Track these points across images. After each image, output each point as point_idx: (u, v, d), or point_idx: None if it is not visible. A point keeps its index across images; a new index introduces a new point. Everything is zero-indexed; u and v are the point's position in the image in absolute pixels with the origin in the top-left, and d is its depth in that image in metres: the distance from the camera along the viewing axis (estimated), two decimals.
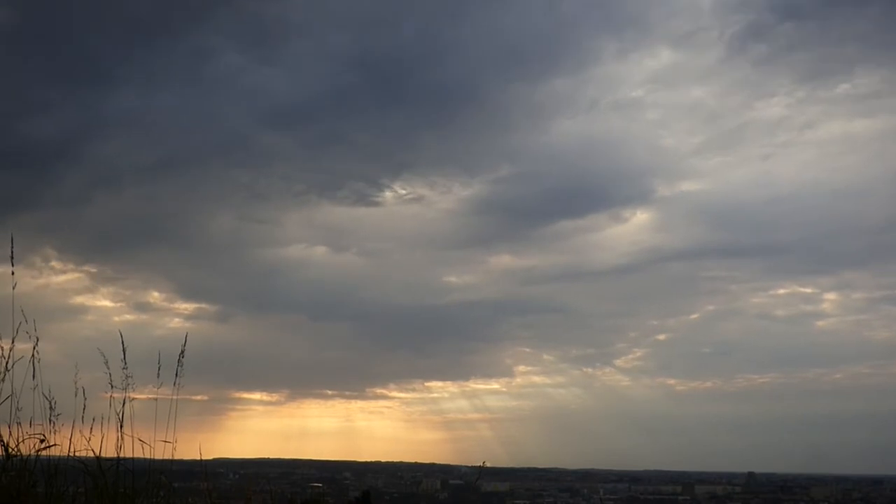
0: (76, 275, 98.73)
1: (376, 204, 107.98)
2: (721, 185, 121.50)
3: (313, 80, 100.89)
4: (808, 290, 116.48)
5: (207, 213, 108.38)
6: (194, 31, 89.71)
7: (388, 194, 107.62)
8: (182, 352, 5.76)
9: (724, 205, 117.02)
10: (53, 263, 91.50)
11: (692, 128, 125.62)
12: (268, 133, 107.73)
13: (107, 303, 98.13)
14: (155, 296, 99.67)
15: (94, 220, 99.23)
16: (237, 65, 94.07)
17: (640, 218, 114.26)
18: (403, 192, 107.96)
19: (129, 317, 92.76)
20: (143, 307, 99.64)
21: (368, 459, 75.01)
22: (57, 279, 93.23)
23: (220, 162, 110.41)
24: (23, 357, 5.43)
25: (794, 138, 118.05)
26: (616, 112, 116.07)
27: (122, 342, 5.58)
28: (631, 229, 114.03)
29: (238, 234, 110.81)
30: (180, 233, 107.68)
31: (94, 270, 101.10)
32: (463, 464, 58.28)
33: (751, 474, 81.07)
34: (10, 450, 5.28)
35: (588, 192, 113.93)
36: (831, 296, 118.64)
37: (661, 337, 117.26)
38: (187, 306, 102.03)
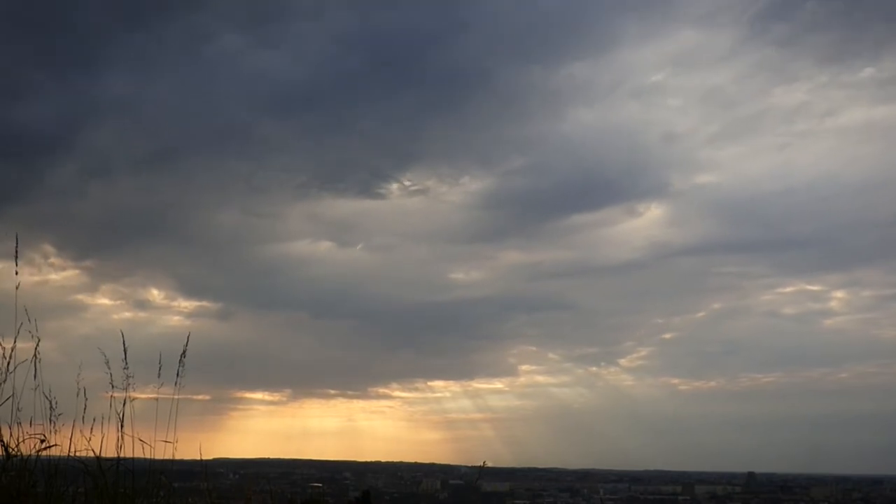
0: (74, 271, 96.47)
1: (381, 196, 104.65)
2: (737, 178, 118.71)
3: (315, 63, 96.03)
4: (819, 288, 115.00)
5: (205, 206, 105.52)
6: (190, 12, 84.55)
7: (393, 186, 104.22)
8: (183, 352, 5.74)
9: (739, 198, 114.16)
10: (53, 260, 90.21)
11: (711, 116, 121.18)
12: (267, 120, 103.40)
13: (105, 300, 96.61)
14: (154, 293, 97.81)
15: (90, 214, 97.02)
16: (234, 47, 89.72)
17: (654, 212, 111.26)
18: (409, 183, 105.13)
19: (127, 314, 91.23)
20: (142, 304, 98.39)
21: (368, 459, 74.92)
22: (54, 276, 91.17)
23: (216, 152, 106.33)
24: (24, 360, 5.43)
25: (813, 127, 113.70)
26: (634, 98, 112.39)
27: (124, 342, 5.57)
28: (644, 224, 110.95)
29: (237, 228, 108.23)
30: (179, 228, 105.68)
31: (91, 266, 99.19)
32: (463, 464, 58.17)
33: (751, 474, 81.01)
34: (10, 450, 5.27)
35: (602, 184, 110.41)
36: (840, 293, 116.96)
37: (667, 336, 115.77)
38: (187, 304, 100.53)
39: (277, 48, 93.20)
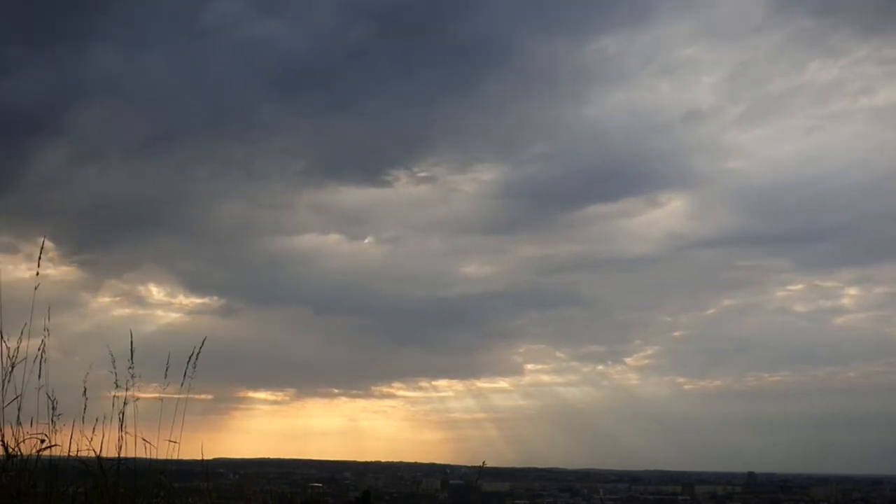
0: (70, 266, 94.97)
1: (387, 184, 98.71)
2: (763, 164, 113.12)
3: (317, 35, 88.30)
4: (833, 284, 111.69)
5: (203, 195, 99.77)
6: None
7: (400, 173, 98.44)
8: (197, 355, 5.69)
9: (763, 187, 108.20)
10: (51, 254, 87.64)
11: (740, 95, 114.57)
12: (265, 100, 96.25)
13: (105, 297, 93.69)
14: (153, 289, 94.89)
15: (82, 204, 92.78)
16: (232, 16, 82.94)
17: (675, 203, 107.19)
18: (417, 169, 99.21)
19: (127, 310, 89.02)
20: (141, 300, 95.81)
21: (369, 459, 74.67)
22: (52, 270, 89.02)
23: (211, 135, 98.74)
24: (25, 359, 5.41)
25: (846, 107, 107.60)
26: (664, 76, 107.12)
27: (132, 342, 5.55)
28: (664, 215, 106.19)
29: (235, 217, 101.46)
30: (177, 219, 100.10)
31: (89, 260, 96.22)
32: (464, 464, 58.17)
33: (751, 474, 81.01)
34: (10, 450, 5.27)
35: (624, 172, 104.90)
36: (854, 290, 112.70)
37: (676, 334, 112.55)
38: (187, 301, 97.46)
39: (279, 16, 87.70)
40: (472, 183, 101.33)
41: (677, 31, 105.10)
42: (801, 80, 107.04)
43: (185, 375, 5.67)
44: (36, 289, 5.59)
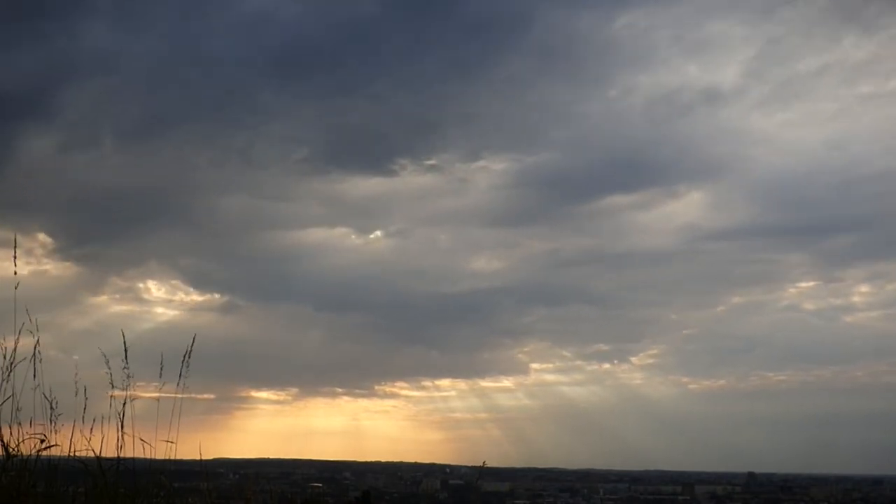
0: (68, 262, 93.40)
1: (393, 173, 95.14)
2: (787, 152, 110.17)
3: (318, 12, 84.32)
4: (847, 281, 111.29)
5: (200, 185, 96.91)
6: None
7: (407, 162, 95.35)
8: (189, 352, 5.65)
9: (786, 176, 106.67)
10: (51, 249, 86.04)
11: (766, 75, 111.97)
12: (263, 84, 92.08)
13: (104, 295, 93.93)
14: (152, 287, 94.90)
15: (76, 197, 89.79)
16: None
17: (695, 195, 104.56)
18: (424, 157, 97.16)
19: (126, 307, 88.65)
20: (139, 297, 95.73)
21: (369, 459, 74.57)
22: (50, 267, 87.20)
23: (207, 121, 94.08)
24: (24, 359, 5.40)
25: (876, 89, 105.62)
26: (691, 55, 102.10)
27: (125, 341, 5.54)
28: (683, 208, 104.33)
29: (235, 209, 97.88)
30: (175, 211, 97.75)
31: (88, 256, 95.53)
32: (464, 464, 58.06)
33: (751, 474, 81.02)
34: (10, 450, 5.27)
35: (643, 162, 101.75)
36: (865, 287, 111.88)
37: (685, 332, 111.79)
38: (188, 299, 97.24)
39: None
40: (482, 172, 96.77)
41: (707, 4, 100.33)
42: (833, 58, 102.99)
43: (180, 375, 5.64)
44: (17, 288, 5.52)
